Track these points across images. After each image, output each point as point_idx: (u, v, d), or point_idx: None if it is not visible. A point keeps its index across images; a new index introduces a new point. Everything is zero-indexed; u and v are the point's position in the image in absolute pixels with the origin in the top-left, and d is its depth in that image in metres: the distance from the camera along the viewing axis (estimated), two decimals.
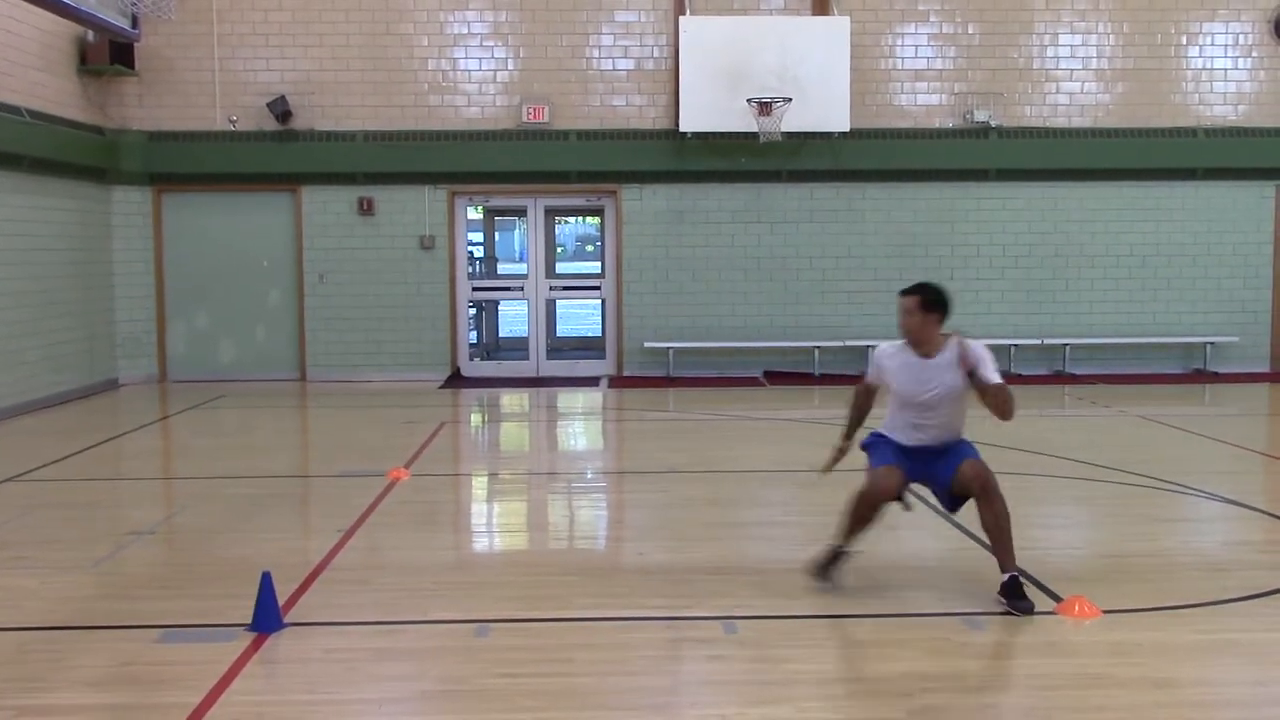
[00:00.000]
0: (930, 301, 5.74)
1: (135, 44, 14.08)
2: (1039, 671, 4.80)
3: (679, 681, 4.83)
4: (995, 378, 5.70)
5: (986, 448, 9.74)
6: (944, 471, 5.77)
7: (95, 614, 5.60)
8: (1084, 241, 15.51)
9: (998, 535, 5.65)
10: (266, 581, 5.29)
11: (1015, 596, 5.50)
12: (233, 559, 6.57)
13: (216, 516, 7.70)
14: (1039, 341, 15.39)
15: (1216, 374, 15.29)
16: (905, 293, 5.81)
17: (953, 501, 5.88)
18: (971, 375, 5.68)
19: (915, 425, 5.80)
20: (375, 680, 4.75)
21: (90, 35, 13.72)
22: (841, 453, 6.09)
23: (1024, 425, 11.78)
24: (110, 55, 13.99)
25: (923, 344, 5.77)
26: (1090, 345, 15.52)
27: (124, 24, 11.38)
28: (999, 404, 5.67)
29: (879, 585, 6.01)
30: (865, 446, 6.00)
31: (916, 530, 7.36)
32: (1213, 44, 15.35)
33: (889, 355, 5.86)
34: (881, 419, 6.02)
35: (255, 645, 5.08)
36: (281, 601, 5.43)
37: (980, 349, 5.74)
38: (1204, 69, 15.36)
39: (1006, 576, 5.56)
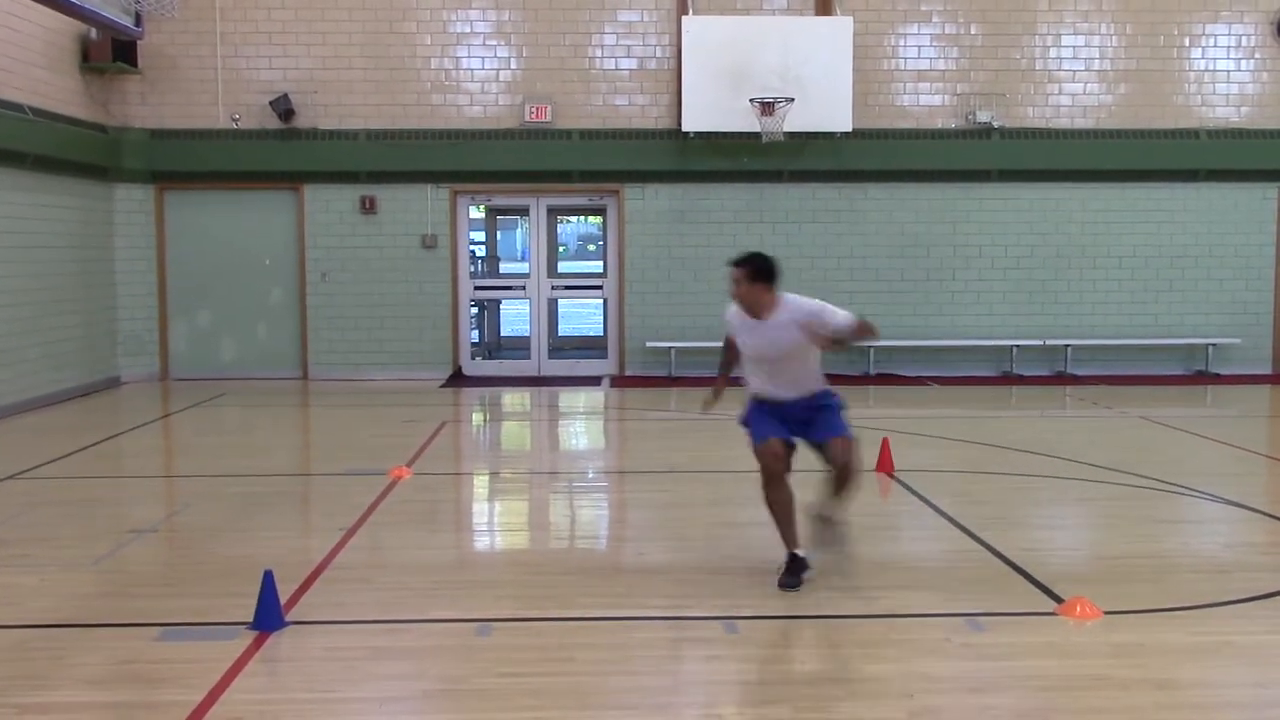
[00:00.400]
0: (756, 271, 6.18)
1: (138, 42, 14.11)
2: (1040, 672, 4.79)
3: (680, 681, 4.83)
4: (840, 320, 6.07)
5: (988, 449, 9.78)
6: (817, 436, 6.27)
7: (96, 612, 5.61)
8: (1086, 243, 15.51)
9: (826, 509, 6.21)
10: (268, 580, 5.29)
11: (795, 572, 6.02)
12: (234, 557, 6.58)
13: (218, 515, 7.71)
14: (1041, 342, 15.38)
15: (1218, 375, 15.28)
16: (734, 264, 6.25)
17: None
18: (827, 336, 6.08)
19: (769, 376, 6.31)
20: (376, 679, 4.75)
21: (93, 33, 13.73)
22: (718, 390, 6.75)
23: (1025, 426, 11.84)
24: (113, 53, 13.99)
25: (755, 309, 6.21)
26: (1092, 346, 15.52)
27: (128, 21, 11.41)
28: (854, 333, 6.14)
29: (879, 585, 6.02)
30: (743, 423, 6.41)
31: (917, 531, 7.38)
32: (1215, 45, 15.35)
33: (734, 315, 6.37)
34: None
35: (257, 644, 5.08)
36: (283, 600, 5.44)
37: (816, 311, 6.14)
38: (1206, 70, 15.36)
39: (792, 555, 6.07)
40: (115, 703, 4.53)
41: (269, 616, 5.25)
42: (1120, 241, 15.51)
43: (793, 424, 6.26)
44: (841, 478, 6.13)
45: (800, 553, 6.05)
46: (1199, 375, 15.44)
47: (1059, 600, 5.65)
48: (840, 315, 6.08)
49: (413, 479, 8.75)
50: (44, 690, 4.62)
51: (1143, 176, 15.39)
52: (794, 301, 6.20)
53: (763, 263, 6.20)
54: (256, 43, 14.95)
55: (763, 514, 7.84)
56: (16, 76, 12.40)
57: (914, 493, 8.24)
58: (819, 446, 6.23)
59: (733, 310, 6.36)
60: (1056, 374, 15.42)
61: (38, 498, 8.21)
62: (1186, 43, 15.34)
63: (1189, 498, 8.19)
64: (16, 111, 12.28)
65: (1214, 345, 15.47)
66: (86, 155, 13.91)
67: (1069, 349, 15.37)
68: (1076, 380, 15.03)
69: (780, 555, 6.08)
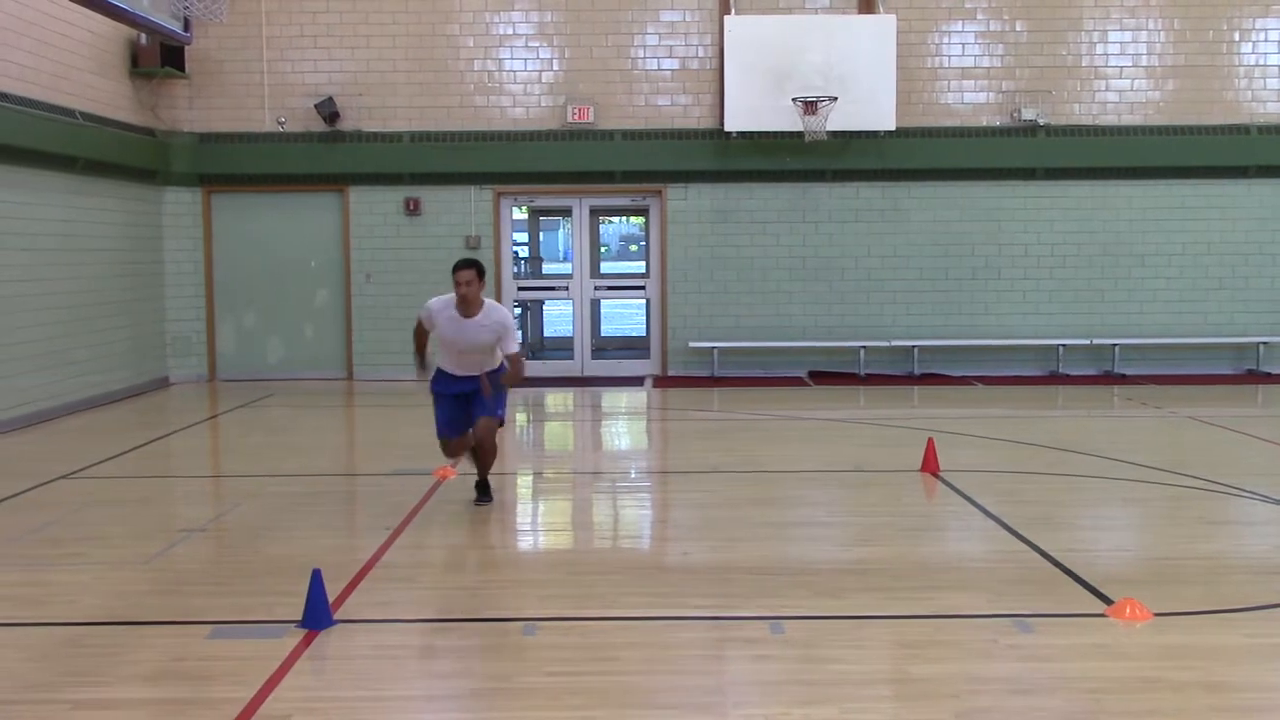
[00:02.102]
0: (481, 274, 7.46)
1: (186, 47, 14.27)
2: (1089, 674, 4.75)
3: (724, 681, 4.83)
4: (514, 346, 7.59)
5: (1035, 449, 9.70)
6: (475, 413, 7.73)
7: (148, 610, 5.68)
8: (1134, 241, 15.34)
9: (482, 462, 7.92)
10: (317, 579, 5.34)
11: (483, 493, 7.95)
12: (282, 556, 6.65)
13: (266, 514, 7.79)
14: (1088, 342, 15.23)
15: (1269, 375, 15.07)
16: (464, 266, 7.41)
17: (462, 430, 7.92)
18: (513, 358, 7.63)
19: (456, 359, 7.64)
20: (424, 677, 4.79)
21: (142, 38, 13.92)
22: (422, 364, 7.98)
23: (1072, 426, 11.72)
24: (161, 58, 14.18)
25: (471, 308, 7.44)
26: (1140, 346, 15.34)
27: (177, 27, 11.55)
28: (516, 369, 7.68)
29: (926, 586, 5.99)
30: (433, 391, 7.84)
31: (964, 531, 7.33)
32: (1266, 40, 15.13)
33: (440, 310, 7.52)
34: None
35: (305, 642, 5.14)
36: (331, 599, 5.49)
37: (509, 326, 7.57)
38: (1257, 65, 15.15)
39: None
40: (167, 699, 4.58)
41: (317, 615, 5.30)
42: (1169, 239, 15.33)
43: (462, 399, 7.71)
44: (476, 450, 7.78)
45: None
46: (1249, 374, 15.23)
47: (1108, 601, 5.60)
48: (516, 340, 7.63)
49: (457, 479, 8.79)
50: (98, 686, 4.69)
51: (1192, 173, 15.20)
52: (495, 308, 7.56)
53: (483, 268, 7.50)
54: (302, 46, 15.09)
55: (808, 514, 7.87)
56: (67, 82, 12.59)
57: (960, 493, 8.19)
58: (471, 422, 7.71)
59: (440, 303, 7.53)
60: (1104, 373, 15.26)
61: (90, 497, 8.33)
62: (1236, 37, 15.13)
63: (1239, 498, 8.08)
64: (67, 116, 12.47)
65: (1264, 344, 15.25)
66: (135, 159, 14.10)
67: (1116, 348, 15.21)
68: (1124, 380, 14.87)
69: None
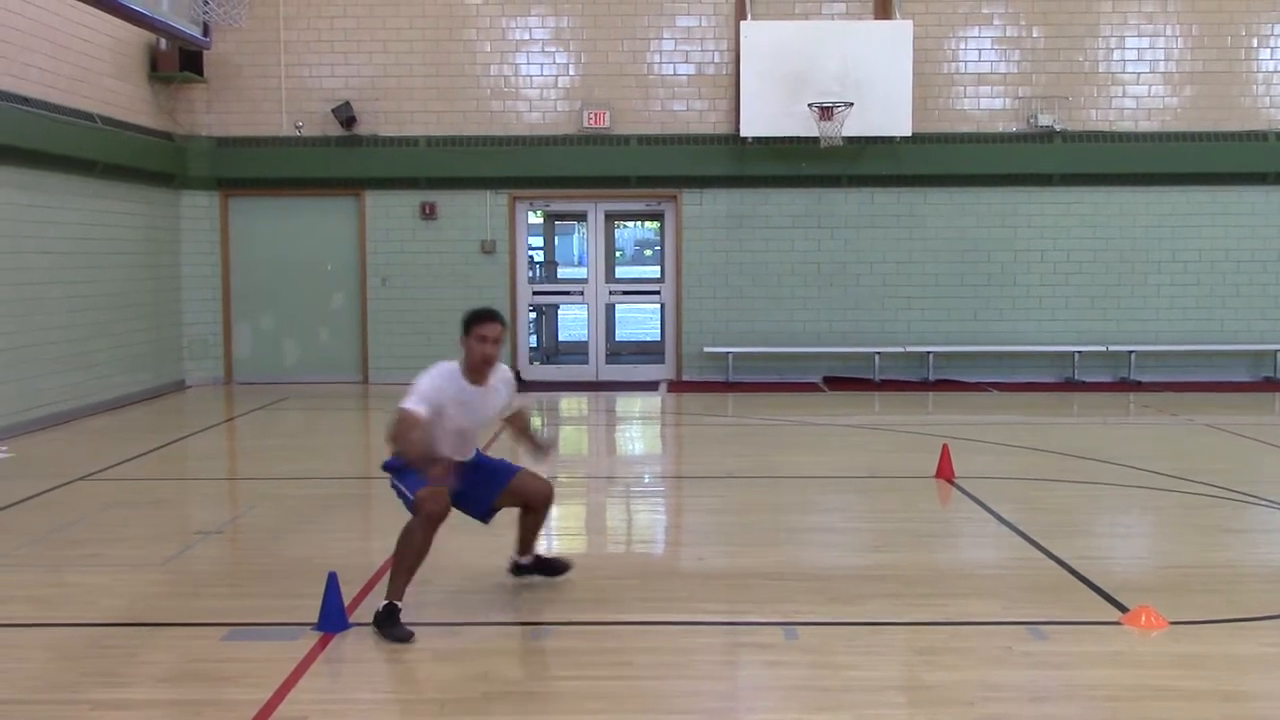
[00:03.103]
0: (504, 330, 5.69)
1: (204, 51, 14.35)
2: (1104, 682, 4.74)
3: (738, 687, 4.84)
4: (520, 400, 5.87)
5: (1050, 456, 9.68)
6: (496, 481, 5.85)
7: (165, 611, 5.71)
8: (1150, 247, 15.29)
9: (532, 535, 6.00)
10: (333, 582, 5.36)
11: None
12: (298, 559, 6.68)
13: (282, 517, 7.82)
14: (1104, 348, 15.18)
15: None
16: (492, 318, 5.63)
17: (490, 513, 5.96)
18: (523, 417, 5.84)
19: (455, 446, 5.68)
20: (438, 681, 4.80)
21: (162, 43, 14.00)
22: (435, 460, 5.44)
23: (1088, 433, 11.69)
24: (180, 62, 14.26)
25: (486, 374, 5.65)
26: (1156, 352, 15.29)
27: (195, 32, 11.61)
28: (527, 418, 5.91)
29: (941, 592, 5.98)
30: (392, 470, 5.64)
31: (979, 538, 7.32)
32: None
33: (446, 385, 5.54)
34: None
35: (321, 644, 5.16)
36: (346, 602, 5.51)
37: (510, 380, 5.88)
38: (1275, 71, 15.09)
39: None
40: (184, 700, 4.61)
41: (333, 618, 5.32)
42: (1186, 246, 15.28)
43: (469, 467, 5.76)
44: (531, 518, 5.94)
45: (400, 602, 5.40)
46: (1267, 381, 15.17)
47: (1123, 609, 5.58)
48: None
49: None
50: (116, 687, 4.72)
51: (1209, 180, 15.15)
52: (497, 366, 5.74)
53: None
54: (319, 51, 15.16)
55: (822, 520, 7.85)
56: (87, 86, 12.67)
57: (975, 499, 8.17)
58: (489, 502, 5.85)
59: (443, 378, 5.56)
60: (1120, 380, 15.21)
61: (108, 498, 8.38)
62: (1254, 43, 15.08)
63: (1257, 506, 8.05)
64: (87, 120, 12.55)
65: None
66: (154, 163, 14.18)
67: (1133, 355, 15.16)
68: (1140, 387, 14.82)
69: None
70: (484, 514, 5.94)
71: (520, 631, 5.39)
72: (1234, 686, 4.70)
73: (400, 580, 5.40)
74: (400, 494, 5.64)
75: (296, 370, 15.55)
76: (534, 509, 5.92)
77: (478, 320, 5.60)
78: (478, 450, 5.90)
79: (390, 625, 5.26)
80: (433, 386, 5.48)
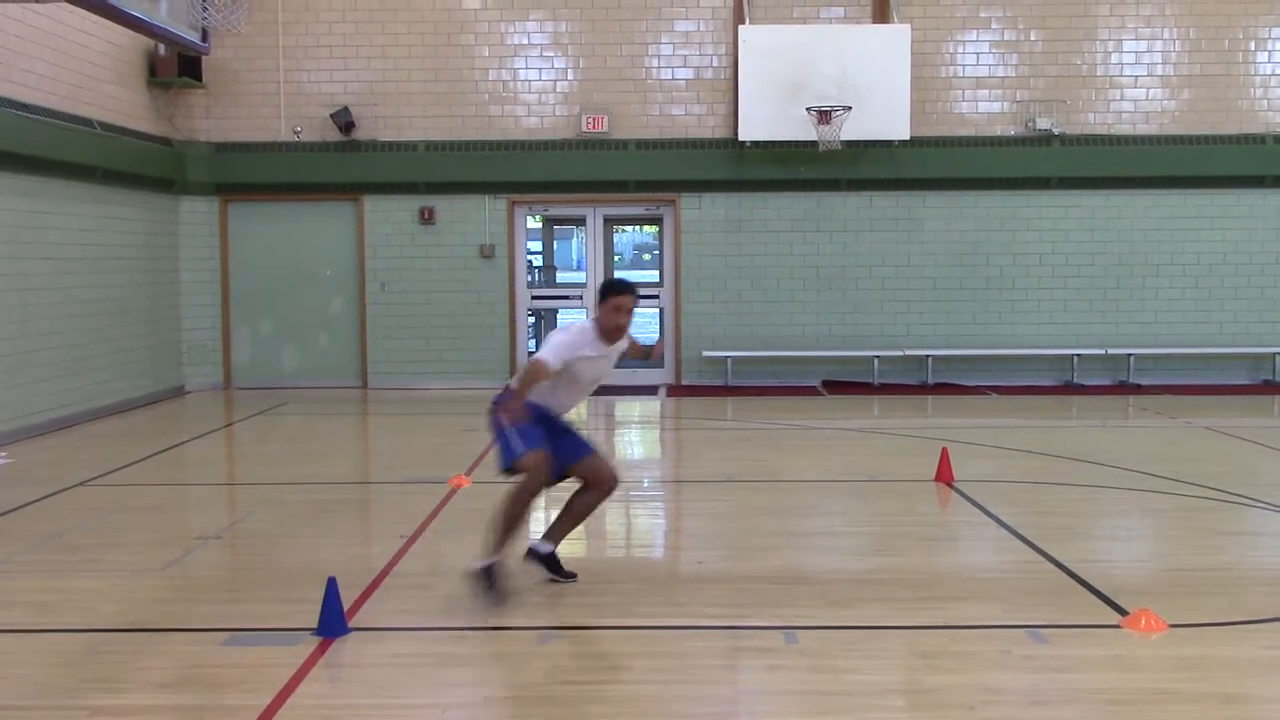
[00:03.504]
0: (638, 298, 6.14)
1: (203, 57, 14.36)
2: (1104, 685, 4.74)
3: (739, 691, 4.84)
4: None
5: (1049, 459, 9.70)
6: (573, 453, 6.12)
7: (165, 617, 5.71)
8: (1149, 250, 15.30)
9: (580, 519, 6.23)
10: (332, 587, 5.36)
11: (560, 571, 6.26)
12: (297, 564, 6.68)
13: (281, 522, 7.82)
14: (1102, 351, 15.19)
15: None
16: (628, 289, 6.05)
17: (561, 477, 6.18)
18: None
19: (573, 397, 6.20)
20: (439, 686, 4.80)
21: (160, 49, 14.01)
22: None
23: (1087, 436, 11.69)
24: (179, 68, 14.27)
25: (621, 335, 6.07)
26: (1155, 355, 15.30)
27: (194, 37, 11.60)
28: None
29: (941, 596, 5.98)
30: (503, 426, 5.85)
31: (978, 542, 7.32)
32: None
33: (583, 345, 5.93)
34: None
35: (321, 649, 5.15)
36: (346, 606, 5.51)
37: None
38: (1272, 74, 15.11)
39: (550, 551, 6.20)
40: (184, 706, 4.60)
41: (333, 622, 5.32)
42: (1184, 249, 15.29)
43: (555, 428, 6.11)
44: (583, 503, 6.19)
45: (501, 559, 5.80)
46: (1266, 384, 15.18)
47: (1123, 613, 5.58)
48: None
49: (472, 487, 8.82)
50: (115, 693, 4.72)
51: (1207, 182, 15.16)
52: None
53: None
54: (318, 57, 15.17)
55: (822, 524, 7.85)
56: (86, 92, 12.68)
57: (974, 503, 8.17)
58: (565, 464, 6.08)
59: (581, 339, 5.93)
60: (1119, 383, 15.22)
61: (107, 504, 8.37)
62: (1252, 46, 15.11)
63: (1256, 509, 8.05)
64: (86, 126, 12.56)
65: None
66: (153, 168, 14.19)
67: (1131, 358, 15.17)
68: (1139, 390, 14.82)
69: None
70: (556, 476, 6.12)
71: (521, 636, 5.39)
72: (1234, 689, 4.70)
73: (502, 539, 5.76)
74: (503, 444, 5.89)
75: (296, 375, 15.56)
76: (596, 489, 6.16)
77: (614, 292, 5.99)
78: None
79: (493, 580, 5.71)
80: (570, 344, 5.88)
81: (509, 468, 5.86)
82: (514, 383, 5.90)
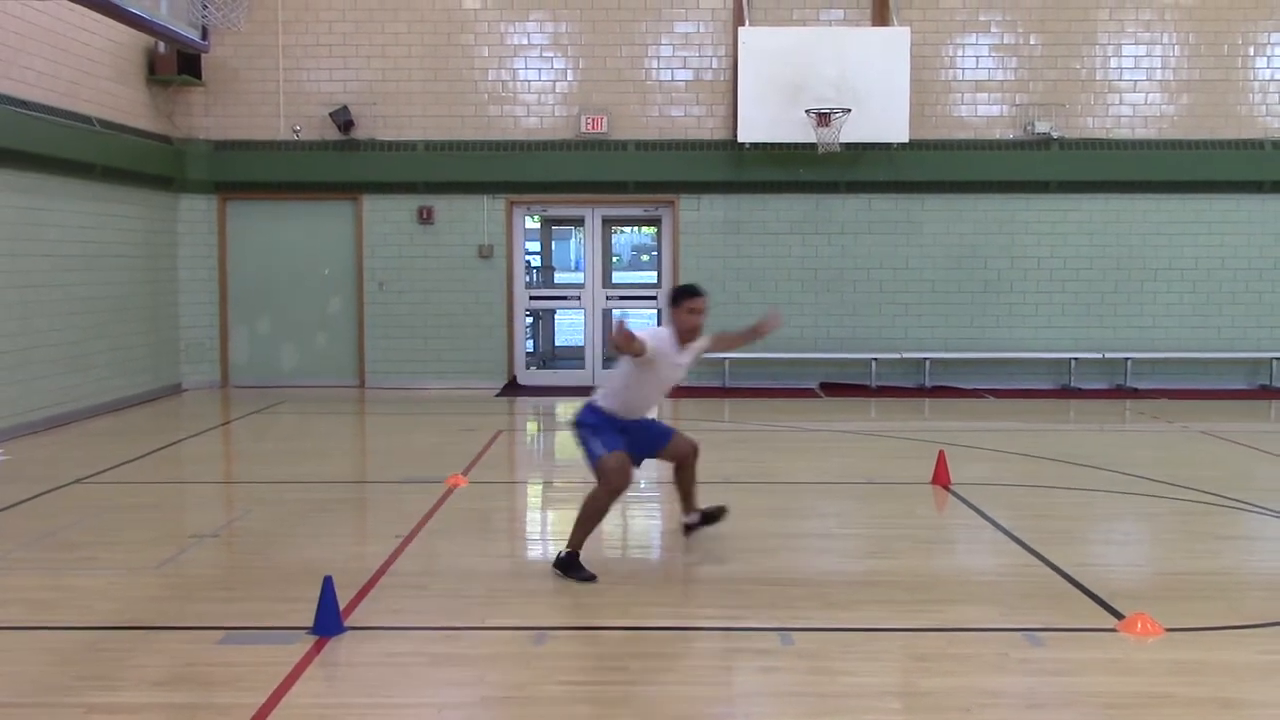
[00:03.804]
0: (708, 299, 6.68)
1: (202, 55, 14.35)
2: (1100, 689, 4.74)
3: (735, 692, 4.83)
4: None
5: (1046, 463, 9.69)
6: (658, 441, 6.85)
7: (161, 615, 5.71)
8: (1147, 255, 15.32)
9: (691, 487, 7.02)
10: (328, 586, 5.36)
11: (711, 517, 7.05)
12: (294, 563, 6.67)
13: (277, 521, 7.81)
14: (1100, 355, 15.20)
15: None
16: (699, 293, 6.56)
17: (641, 462, 6.80)
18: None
19: (649, 400, 6.65)
20: (434, 685, 4.80)
21: (160, 46, 14.00)
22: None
23: (1084, 440, 11.70)
24: (178, 66, 14.25)
25: (695, 336, 6.58)
26: (1153, 360, 15.31)
27: (194, 35, 11.61)
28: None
29: (937, 599, 5.98)
30: (584, 426, 6.57)
31: (975, 544, 7.32)
32: None
33: (667, 341, 6.46)
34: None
35: (316, 648, 5.15)
36: (342, 606, 5.50)
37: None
38: (1271, 80, 15.12)
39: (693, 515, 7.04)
40: (179, 704, 4.60)
41: (328, 622, 5.32)
42: (1182, 253, 15.30)
43: (632, 430, 6.65)
44: (685, 470, 6.94)
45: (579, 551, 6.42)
46: (1263, 389, 15.19)
47: (1119, 616, 5.58)
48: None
49: (469, 487, 8.82)
50: (111, 691, 4.71)
51: (1205, 187, 15.17)
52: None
53: None
54: (317, 56, 15.17)
55: (818, 525, 7.85)
56: (85, 89, 12.67)
57: (971, 506, 8.18)
58: (652, 450, 6.82)
59: (664, 336, 6.47)
60: (1116, 387, 15.23)
61: (104, 501, 8.37)
62: (1251, 52, 15.12)
63: (1252, 513, 8.06)
64: (85, 123, 12.55)
65: (1279, 359, 15.21)
66: (152, 166, 14.18)
67: (1129, 362, 15.18)
68: (1137, 394, 14.84)
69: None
70: (638, 463, 6.73)
71: (516, 636, 5.39)
72: (1231, 694, 4.70)
73: (580, 534, 6.38)
74: (586, 450, 6.54)
75: (293, 374, 15.55)
76: (685, 464, 6.93)
77: (689, 295, 6.55)
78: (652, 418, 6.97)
79: (573, 569, 6.31)
80: (657, 340, 6.37)
81: (597, 471, 6.44)
82: (612, 348, 6.63)
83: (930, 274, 15.31)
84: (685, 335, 6.53)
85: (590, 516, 6.40)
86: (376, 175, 15.20)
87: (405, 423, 12.68)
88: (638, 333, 6.21)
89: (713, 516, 7.08)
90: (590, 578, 6.27)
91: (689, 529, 7.11)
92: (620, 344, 6.15)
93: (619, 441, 6.46)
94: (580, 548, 6.38)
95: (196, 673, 4.92)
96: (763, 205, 15.30)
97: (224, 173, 15.19)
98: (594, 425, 6.54)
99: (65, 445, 10.95)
